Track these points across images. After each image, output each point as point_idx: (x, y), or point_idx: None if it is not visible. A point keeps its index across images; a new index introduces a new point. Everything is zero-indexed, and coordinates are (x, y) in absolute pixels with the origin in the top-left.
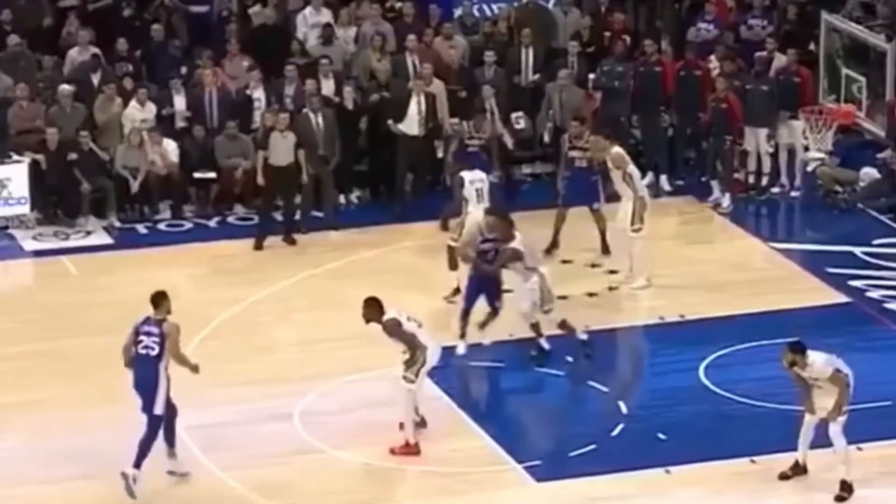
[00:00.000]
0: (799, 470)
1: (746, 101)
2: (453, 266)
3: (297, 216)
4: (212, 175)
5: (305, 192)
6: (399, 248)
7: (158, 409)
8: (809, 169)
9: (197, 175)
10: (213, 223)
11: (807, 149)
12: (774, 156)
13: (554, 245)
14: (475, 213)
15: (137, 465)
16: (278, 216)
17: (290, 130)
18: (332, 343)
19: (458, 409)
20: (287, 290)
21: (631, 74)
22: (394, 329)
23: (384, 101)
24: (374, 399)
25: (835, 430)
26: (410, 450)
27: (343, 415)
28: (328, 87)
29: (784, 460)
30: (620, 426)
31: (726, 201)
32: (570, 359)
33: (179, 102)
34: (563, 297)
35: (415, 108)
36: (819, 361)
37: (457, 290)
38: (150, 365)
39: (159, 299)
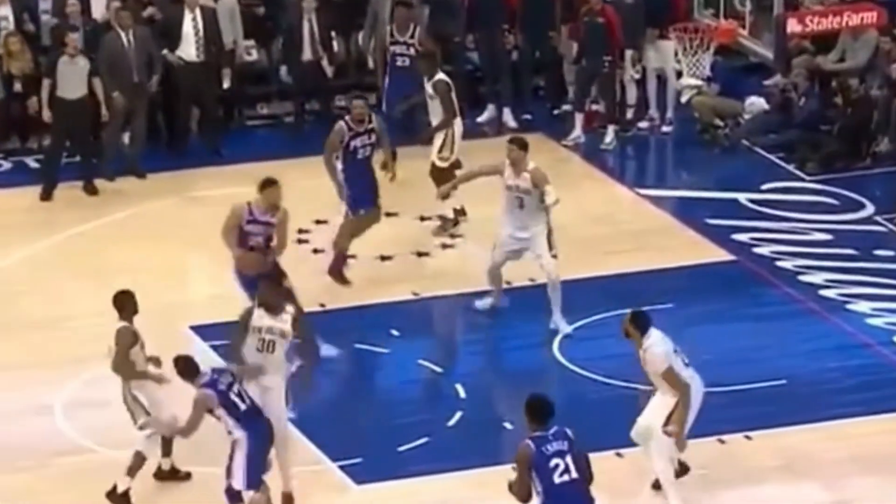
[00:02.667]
0: (681, 469)
1: None
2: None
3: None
4: None
5: (112, 129)
6: (185, 198)
7: None
8: (684, 99)
9: None
10: None
11: (680, 75)
12: (641, 83)
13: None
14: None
15: None
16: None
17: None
18: (96, 319)
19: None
20: (43, 253)
21: None
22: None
23: (152, 22)
24: None
25: (658, 448)
26: None
27: (115, 406)
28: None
29: None
30: (459, 414)
31: (609, 136)
32: (395, 332)
33: None
34: (388, 258)
35: (190, 26)
36: (657, 349)
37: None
38: None
39: None
